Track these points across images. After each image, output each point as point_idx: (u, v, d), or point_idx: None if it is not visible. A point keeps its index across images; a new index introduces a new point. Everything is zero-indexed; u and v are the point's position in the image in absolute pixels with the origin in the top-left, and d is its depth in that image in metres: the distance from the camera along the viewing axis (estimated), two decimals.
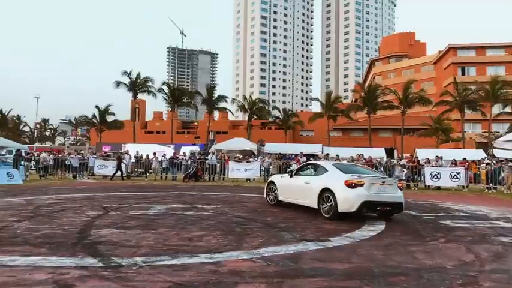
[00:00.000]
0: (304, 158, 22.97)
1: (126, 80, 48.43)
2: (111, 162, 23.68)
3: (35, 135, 66.75)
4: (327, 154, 23.15)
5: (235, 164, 22.17)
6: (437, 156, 21.49)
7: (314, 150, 34.17)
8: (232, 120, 69.85)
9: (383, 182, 8.57)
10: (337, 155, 22.36)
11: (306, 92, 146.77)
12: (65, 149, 43.18)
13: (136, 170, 24.66)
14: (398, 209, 8.72)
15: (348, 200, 8.20)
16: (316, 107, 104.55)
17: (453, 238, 6.88)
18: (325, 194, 8.58)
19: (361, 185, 8.28)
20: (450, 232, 7.47)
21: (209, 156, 24.17)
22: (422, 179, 20.26)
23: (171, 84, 56.48)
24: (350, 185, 8.29)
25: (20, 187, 16.39)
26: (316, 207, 8.82)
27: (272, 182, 10.88)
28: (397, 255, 5.49)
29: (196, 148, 41.01)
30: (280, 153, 30.14)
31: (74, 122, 76.61)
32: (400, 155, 35.28)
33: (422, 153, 25.63)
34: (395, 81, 70.00)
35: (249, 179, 21.59)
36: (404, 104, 43.97)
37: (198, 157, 23.73)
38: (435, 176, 19.57)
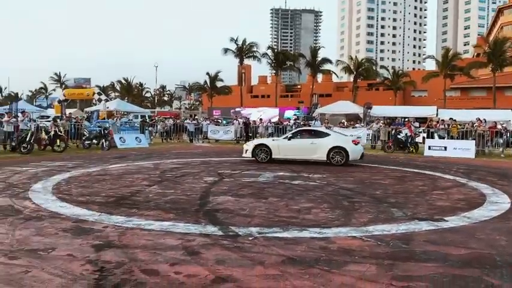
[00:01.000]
0: (417, 124, 21.58)
1: (233, 47, 50.10)
2: (223, 127, 25.25)
3: (155, 101, 73.55)
4: (442, 120, 21.28)
5: (340, 130, 21.78)
6: None
7: (427, 113, 31.71)
8: (336, 82, 68.04)
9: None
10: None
11: (419, 47, 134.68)
12: (181, 114, 46.96)
13: (244, 134, 25.84)
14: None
15: (356, 152, 13.13)
16: (430, 66, 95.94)
17: None
18: (336, 150, 12.89)
19: (359, 142, 14.02)
20: None
21: (313, 122, 24.17)
22: None
23: (275, 48, 56.68)
24: (355, 143, 13.44)
25: (146, 150, 18.52)
26: (325, 159, 12.99)
27: (263, 145, 13.83)
28: None
29: (299, 112, 41.22)
30: (388, 118, 28.75)
31: (187, 88, 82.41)
32: None
33: None
34: None
35: None
36: None
37: (302, 123, 23.88)
38: None
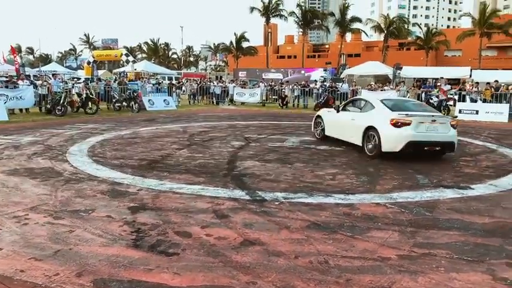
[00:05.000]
0: (449, 86, 20.90)
1: (260, 5, 48.93)
2: (249, 90, 25.23)
3: (182, 62, 73.59)
4: (477, 83, 20.48)
5: (368, 92, 21.38)
6: None
7: (460, 74, 30.67)
8: (366, 41, 65.76)
9: (433, 121, 8.05)
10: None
11: (455, 3, 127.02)
12: (207, 75, 47.02)
13: (270, 96, 25.81)
14: (449, 149, 8.34)
15: (392, 139, 7.95)
16: (466, 23, 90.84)
17: None
18: (370, 132, 8.38)
19: (408, 124, 7.89)
20: None
21: (340, 84, 23.76)
22: None
23: (302, 5, 54.78)
24: (396, 124, 7.94)
25: (175, 113, 18.86)
26: (360, 145, 8.68)
27: (319, 117, 10.76)
28: None
29: (326, 74, 40.47)
30: (419, 79, 27.89)
31: (213, 48, 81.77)
32: None
33: None
34: None
35: None
36: None
37: (328, 85, 23.53)
38: None
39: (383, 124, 8.12)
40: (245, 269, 3.34)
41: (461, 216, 4.77)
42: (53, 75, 21.99)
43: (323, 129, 10.48)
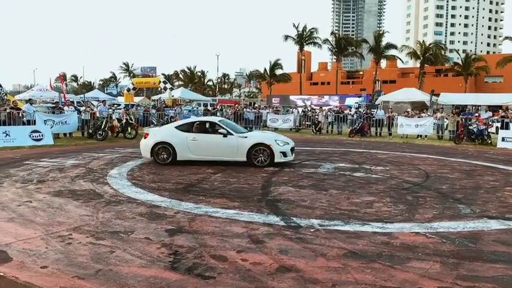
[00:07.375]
0: (490, 113, 20.17)
1: (294, 33, 49.79)
2: (282, 116, 25.42)
3: (217, 89, 75.30)
4: None
5: (404, 119, 21.01)
6: None
7: (503, 101, 29.54)
8: (401, 68, 65.05)
9: None
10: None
11: (495, 28, 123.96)
12: (241, 102, 47.79)
13: (303, 122, 25.83)
14: None
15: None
16: (508, 48, 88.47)
17: None
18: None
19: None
20: None
21: (375, 111, 23.49)
22: None
23: (336, 32, 55.29)
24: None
25: None
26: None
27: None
28: None
29: (361, 100, 40.20)
30: (457, 106, 27.14)
31: (247, 75, 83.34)
32: None
33: None
34: None
35: (420, 136, 20.30)
36: None
37: (364, 111, 23.32)
38: None
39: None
40: None
41: (507, 248, 4.53)
42: (102, 101, 23.09)
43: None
